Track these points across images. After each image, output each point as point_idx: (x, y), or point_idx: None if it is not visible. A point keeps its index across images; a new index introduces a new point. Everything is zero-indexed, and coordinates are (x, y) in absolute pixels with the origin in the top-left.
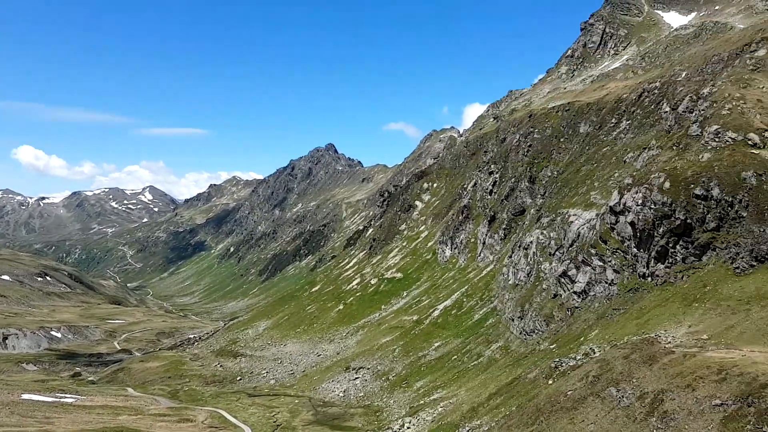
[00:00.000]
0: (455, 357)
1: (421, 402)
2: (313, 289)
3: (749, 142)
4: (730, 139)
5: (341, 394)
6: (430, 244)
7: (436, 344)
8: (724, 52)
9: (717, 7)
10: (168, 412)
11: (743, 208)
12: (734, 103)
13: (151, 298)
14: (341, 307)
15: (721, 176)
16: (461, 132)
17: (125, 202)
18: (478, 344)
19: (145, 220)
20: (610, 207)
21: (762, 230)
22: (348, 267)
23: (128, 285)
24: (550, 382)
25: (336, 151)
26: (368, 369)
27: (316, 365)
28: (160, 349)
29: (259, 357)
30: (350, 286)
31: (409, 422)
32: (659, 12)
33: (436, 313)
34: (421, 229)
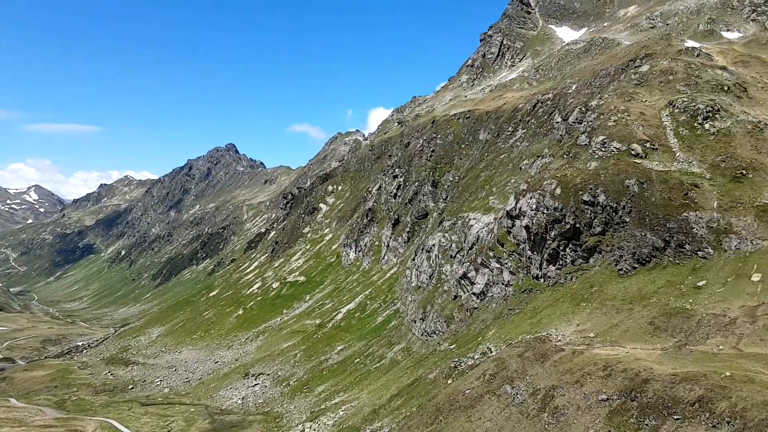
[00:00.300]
0: (358, 360)
1: (323, 406)
2: (211, 294)
3: (632, 152)
4: (615, 149)
5: (239, 402)
6: (334, 247)
7: (339, 348)
8: (611, 67)
9: (605, 24)
10: (54, 424)
11: (626, 213)
12: (619, 116)
13: (36, 304)
14: (241, 312)
15: (607, 184)
16: (366, 135)
17: (8, 201)
18: (380, 346)
19: (30, 221)
20: (507, 211)
21: (643, 234)
22: (249, 271)
23: (11, 290)
24: (450, 381)
25: (237, 151)
26: (268, 375)
27: (214, 372)
28: (45, 357)
29: (153, 365)
30: (251, 290)
31: (310, 427)
32: (553, 27)
33: (340, 316)
34: (325, 231)
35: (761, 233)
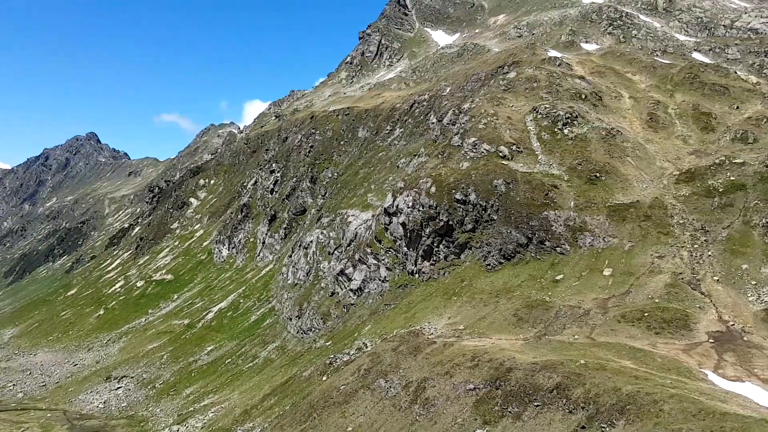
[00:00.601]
0: (229, 360)
1: (191, 409)
2: (69, 293)
3: (500, 154)
4: (485, 151)
5: (101, 406)
6: (205, 243)
7: (209, 348)
8: (482, 72)
9: (477, 31)
10: None
11: (494, 211)
12: (489, 119)
13: None
14: (102, 312)
15: (478, 183)
16: (242, 128)
17: None
18: (254, 346)
19: None
20: (385, 208)
21: (509, 231)
22: (110, 269)
23: None
24: (325, 378)
25: (99, 140)
26: (132, 377)
27: (73, 375)
28: None
29: (5, 368)
30: (113, 289)
31: (177, 430)
32: (429, 30)
33: (210, 315)
34: (196, 227)
35: (612, 231)
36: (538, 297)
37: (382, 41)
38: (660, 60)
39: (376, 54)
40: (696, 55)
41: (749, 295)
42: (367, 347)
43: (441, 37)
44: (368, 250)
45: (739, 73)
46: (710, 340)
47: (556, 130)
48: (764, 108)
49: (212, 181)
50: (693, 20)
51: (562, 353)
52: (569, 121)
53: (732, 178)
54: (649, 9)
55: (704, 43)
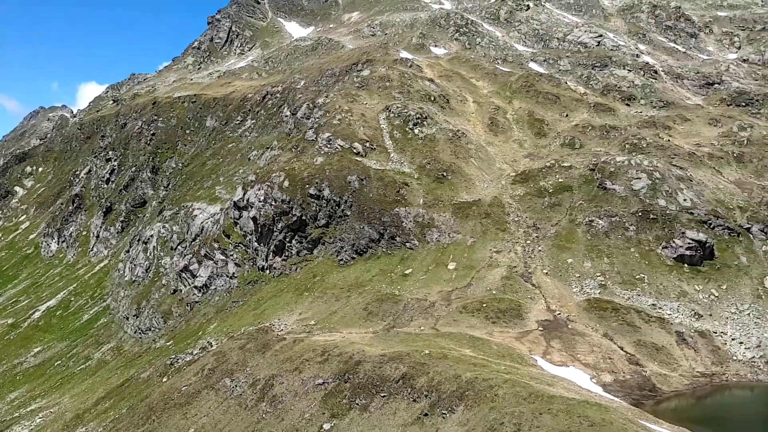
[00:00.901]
0: (59, 362)
1: (16, 415)
2: None
3: (354, 151)
4: (339, 147)
5: None
6: (32, 236)
7: (37, 349)
8: (337, 68)
9: (331, 26)
10: None
11: (348, 207)
12: (343, 115)
13: None
14: None
15: (332, 179)
16: (75, 112)
17: None
18: (86, 346)
19: None
20: (234, 202)
21: (362, 227)
22: None
23: None
24: (165, 379)
25: None
26: None
27: None
28: None
29: None
30: None
31: None
32: (282, 20)
33: (38, 314)
34: (21, 219)
35: (456, 227)
36: (388, 291)
37: (233, 28)
38: (501, 68)
39: (227, 41)
40: (532, 65)
41: (573, 286)
42: (212, 346)
43: (295, 29)
44: (216, 246)
45: (569, 83)
46: (540, 329)
47: (407, 129)
48: (590, 116)
49: (40, 169)
50: (530, 32)
51: (408, 344)
52: (419, 121)
53: (560, 180)
54: (492, 18)
55: (540, 54)
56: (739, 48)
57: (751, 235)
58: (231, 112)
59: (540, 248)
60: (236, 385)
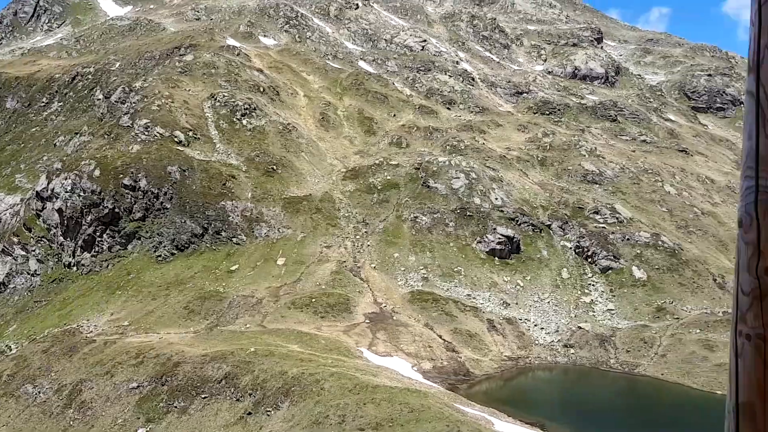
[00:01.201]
0: None
1: None
2: None
3: (176, 139)
4: (158, 134)
5: None
6: None
7: None
8: (157, 51)
9: (152, 6)
10: None
11: (168, 200)
12: (164, 101)
13: None
14: None
15: (149, 168)
16: None
17: None
18: None
19: None
20: (37, 192)
21: (183, 221)
22: None
23: None
24: None
25: None
26: None
27: None
28: None
29: None
30: None
31: None
32: None
33: None
34: None
35: (286, 222)
36: (212, 288)
37: (41, 2)
38: (331, 64)
39: (33, 15)
40: (362, 64)
41: (399, 279)
42: (11, 350)
43: (111, 7)
44: (15, 240)
45: (396, 84)
46: (366, 321)
47: (234, 119)
48: (415, 118)
49: None
50: (360, 31)
51: (233, 343)
52: (248, 112)
53: (388, 177)
54: (322, 14)
55: (369, 54)
56: (545, 60)
57: (551, 231)
58: (35, 93)
59: (369, 243)
60: (40, 392)
